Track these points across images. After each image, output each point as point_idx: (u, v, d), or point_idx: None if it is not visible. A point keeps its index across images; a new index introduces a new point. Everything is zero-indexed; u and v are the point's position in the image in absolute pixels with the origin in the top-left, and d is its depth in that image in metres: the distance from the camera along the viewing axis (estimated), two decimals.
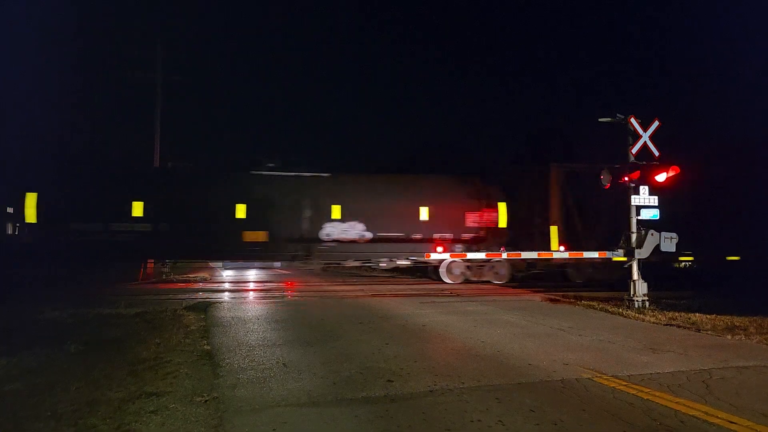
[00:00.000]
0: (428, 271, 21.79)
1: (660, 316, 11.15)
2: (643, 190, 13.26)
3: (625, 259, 13.66)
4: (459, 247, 20.40)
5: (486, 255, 19.61)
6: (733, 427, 4.63)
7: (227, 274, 25.46)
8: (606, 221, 19.93)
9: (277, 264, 21.58)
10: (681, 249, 14.80)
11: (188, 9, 74.74)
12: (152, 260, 21.32)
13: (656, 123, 13.22)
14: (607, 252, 17.46)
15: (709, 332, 9.29)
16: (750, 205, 21.45)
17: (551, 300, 14.39)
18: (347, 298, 15.06)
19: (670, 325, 10.16)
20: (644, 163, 13.27)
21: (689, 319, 10.62)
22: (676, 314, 11.20)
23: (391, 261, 20.38)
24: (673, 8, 76.94)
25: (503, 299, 14.73)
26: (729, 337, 8.86)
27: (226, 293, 16.60)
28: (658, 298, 13.49)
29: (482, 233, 20.92)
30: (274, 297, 15.36)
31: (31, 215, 17.49)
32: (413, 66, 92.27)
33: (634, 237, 13.37)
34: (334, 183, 20.79)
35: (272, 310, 12.33)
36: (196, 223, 18.75)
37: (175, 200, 18.70)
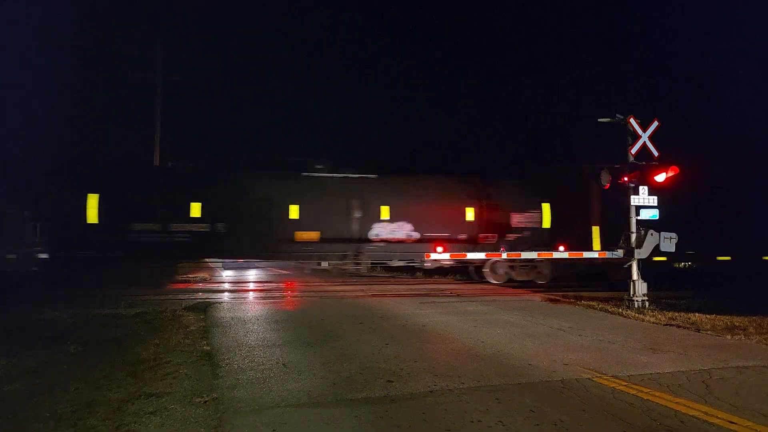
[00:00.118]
0: (469, 271, 21.98)
1: (660, 316, 11.15)
2: (643, 190, 13.27)
3: (664, 258, 13.67)
4: (503, 248, 20.55)
5: (486, 255, 19.73)
6: (733, 427, 4.63)
7: (227, 274, 25.42)
8: None
9: (324, 264, 21.89)
10: (681, 249, 14.81)
11: (188, 9, 74.79)
12: (208, 259, 21.88)
13: (655, 123, 13.22)
14: (607, 252, 17.46)
15: (708, 332, 9.29)
16: (750, 205, 21.48)
17: (551, 300, 14.38)
18: (347, 298, 15.05)
19: (670, 325, 10.16)
20: (644, 163, 13.27)
21: (689, 319, 10.63)
22: (676, 314, 11.21)
23: (436, 261, 20.63)
24: (673, 8, 77.08)
25: (503, 299, 14.72)
26: (729, 337, 8.86)
27: (226, 293, 16.59)
28: (657, 298, 13.50)
29: (527, 234, 21.07)
30: (274, 297, 15.36)
31: (92, 216, 17.97)
32: (413, 66, 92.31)
33: (633, 237, 13.38)
34: (380, 184, 21.22)
35: (272, 310, 12.32)
36: (251, 223, 19.33)
37: (232, 201, 19.28)
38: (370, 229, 20.16)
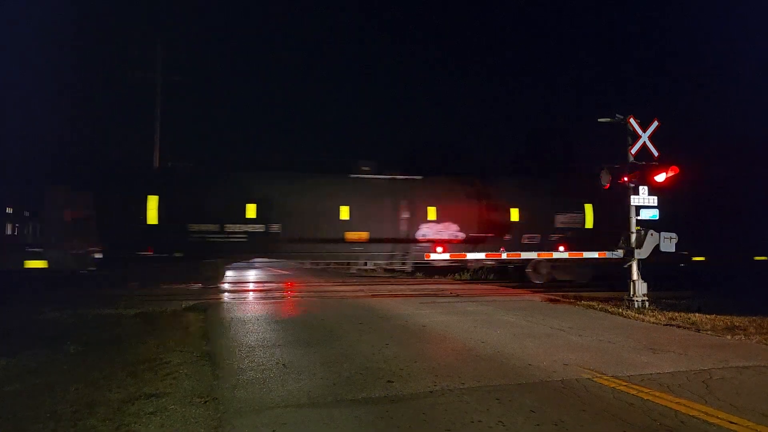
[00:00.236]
0: (509, 271, 22.15)
1: (660, 316, 11.15)
2: (643, 190, 13.27)
3: (703, 258, 13.68)
4: (546, 248, 20.71)
5: (486, 255, 19.83)
6: (733, 427, 4.63)
7: (227, 275, 25.41)
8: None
9: (370, 264, 22.10)
10: (681, 249, 14.82)
11: (188, 9, 74.72)
12: (263, 258, 22.57)
13: (655, 123, 13.22)
14: (606, 252, 17.49)
15: (708, 332, 9.29)
16: (750, 205, 21.49)
17: (551, 300, 14.39)
18: (347, 298, 15.05)
19: (670, 325, 10.16)
20: (644, 163, 13.27)
21: (689, 319, 10.63)
22: (676, 314, 11.21)
23: (479, 261, 20.78)
24: (673, 8, 76.99)
25: (503, 299, 14.72)
26: (729, 337, 8.86)
27: (226, 294, 16.60)
28: (657, 298, 13.50)
29: (570, 234, 21.20)
30: (274, 297, 15.36)
31: (152, 217, 18.27)
32: (413, 66, 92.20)
33: (633, 237, 13.38)
34: (426, 185, 21.50)
35: (272, 310, 12.32)
36: (304, 223, 19.61)
37: (285, 202, 19.58)
38: (417, 229, 20.45)
